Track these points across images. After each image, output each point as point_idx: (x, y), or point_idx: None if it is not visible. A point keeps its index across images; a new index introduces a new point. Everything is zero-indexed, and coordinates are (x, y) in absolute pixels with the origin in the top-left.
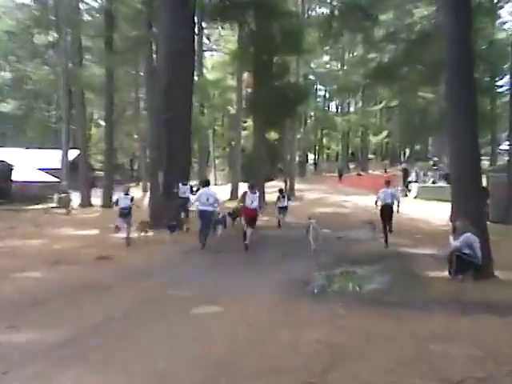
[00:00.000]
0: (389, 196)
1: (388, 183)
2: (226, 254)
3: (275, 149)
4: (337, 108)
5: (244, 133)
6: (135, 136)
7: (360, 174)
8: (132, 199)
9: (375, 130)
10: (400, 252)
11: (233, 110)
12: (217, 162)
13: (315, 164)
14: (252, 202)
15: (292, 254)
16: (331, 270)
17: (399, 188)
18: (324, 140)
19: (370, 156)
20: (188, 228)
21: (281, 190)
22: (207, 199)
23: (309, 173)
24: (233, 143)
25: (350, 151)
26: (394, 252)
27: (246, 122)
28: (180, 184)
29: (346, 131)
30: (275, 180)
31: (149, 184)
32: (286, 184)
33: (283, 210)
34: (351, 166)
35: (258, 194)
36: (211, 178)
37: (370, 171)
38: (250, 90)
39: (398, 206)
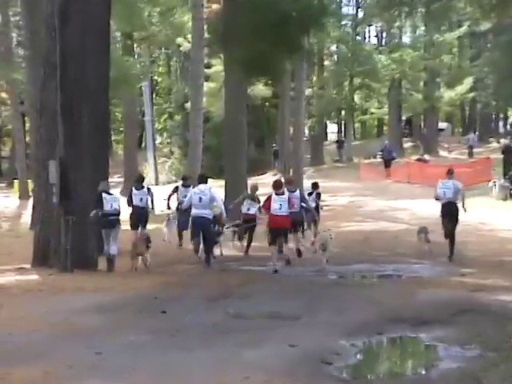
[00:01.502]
0: (450, 189)
1: (450, 172)
2: (196, 304)
3: (266, 116)
4: (378, 38)
5: (208, 86)
6: (3, 95)
7: (423, 160)
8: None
9: (450, 76)
10: (497, 301)
11: (187, 45)
12: (159, 141)
13: (340, 143)
14: (281, 206)
15: (306, 305)
16: (371, 335)
17: (497, 182)
18: (356, 97)
19: (442, 125)
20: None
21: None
22: (200, 199)
23: (329, 158)
24: (188, 107)
25: (403, 117)
26: (483, 302)
27: (210, 66)
28: (133, 188)
29: (397, 79)
30: (269, 172)
31: (32, 185)
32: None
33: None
34: (406, 144)
35: (288, 194)
36: (149, 170)
37: (441, 153)
38: (216, 8)
39: (463, 203)
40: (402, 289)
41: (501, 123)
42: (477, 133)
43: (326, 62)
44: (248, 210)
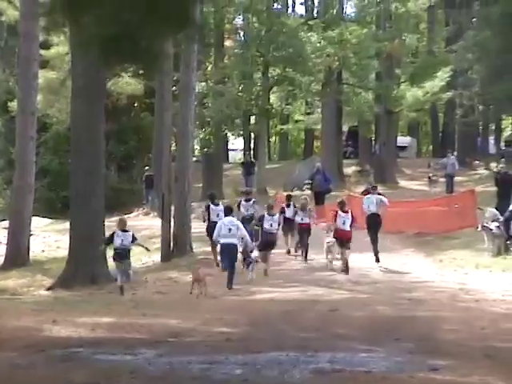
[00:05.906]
0: (373, 203)
1: (374, 189)
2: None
3: (135, 124)
4: (307, 7)
5: (46, 77)
6: None
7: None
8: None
9: (416, 66)
10: None
11: (14, 14)
12: None
13: (248, 166)
14: (344, 222)
15: None
16: None
17: (494, 227)
18: (274, 97)
19: (403, 140)
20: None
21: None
22: (229, 230)
23: (231, 189)
24: (13, 107)
25: (344, 128)
26: None
27: (49, 46)
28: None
29: (336, 70)
30: (137, 211)
31: None
32: (166, 223)
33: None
34: (349, 168)
35: (350, 214)
36: None
37: (402, 184)
38: None
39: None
40: None
41: (491, 139)
42: (455, 153)
43: (228, 43)
44: (302, 219)
